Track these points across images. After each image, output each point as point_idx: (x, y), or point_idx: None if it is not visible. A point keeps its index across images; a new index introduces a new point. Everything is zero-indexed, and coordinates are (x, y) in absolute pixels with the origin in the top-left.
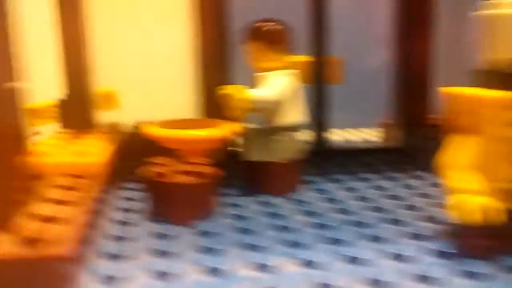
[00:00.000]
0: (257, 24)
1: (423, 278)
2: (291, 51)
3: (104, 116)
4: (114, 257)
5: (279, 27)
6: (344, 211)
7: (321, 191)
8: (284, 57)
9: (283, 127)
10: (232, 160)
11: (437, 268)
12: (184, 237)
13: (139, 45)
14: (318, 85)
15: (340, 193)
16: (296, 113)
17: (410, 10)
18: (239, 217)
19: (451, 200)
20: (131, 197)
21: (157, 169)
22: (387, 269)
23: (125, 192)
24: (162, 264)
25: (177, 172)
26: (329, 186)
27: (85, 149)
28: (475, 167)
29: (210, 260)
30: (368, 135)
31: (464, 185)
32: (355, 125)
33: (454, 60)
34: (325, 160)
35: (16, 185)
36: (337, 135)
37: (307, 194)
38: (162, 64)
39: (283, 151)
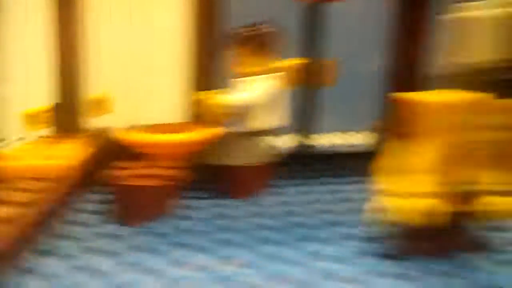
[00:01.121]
0: (240, 30)
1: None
2: (277, 54)
3: (98, 121)
4: (53, 255)
5: (263, 31)
6: (296, 214)
7: (284, 194)
8: (267, 62)
9: (255, 131)
10: (204, 164)
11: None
12: (131, 237)
13: (131, 52)
14: (309, 87)
15: (301, 197)
16: (272, 117)
17: (403, 17)
18: (191, 219)
19: (389, 203)
20: (100, 200)
21: (119, 172)
22: (318, 271)
23: (95, 195)
24: (98, 262)
25: (138, 175)
26: (295, 190)
27: (58, 153)
28: (421, 171)
29: (148, 260)
30: (357, 139)
31: (406, 189)
32: (346, 129)
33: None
34: (302, 164)
35: None
36: (325, 139)
37: (270, 198)
38: (154, 70)
39: (251, 155)
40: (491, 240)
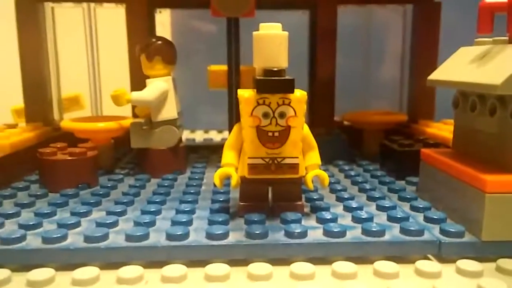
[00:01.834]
0: (145, 42)
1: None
2: (171, 62)
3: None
4: None
5: (162, 44)
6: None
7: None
8: (165, 67)
9: (161, 121)
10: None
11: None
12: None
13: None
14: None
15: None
16: (169, 110)
17: (318, 30)
18: (106, 187)
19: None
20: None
21: (47, 150)
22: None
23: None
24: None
25: (61, 152)
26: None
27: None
28: (234, 148)
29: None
30: None
31: (224, 160)
32: None
33: None
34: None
35: None
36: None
37: (175, 177)
38: (108, 75)
39: (161, 140)
40: None
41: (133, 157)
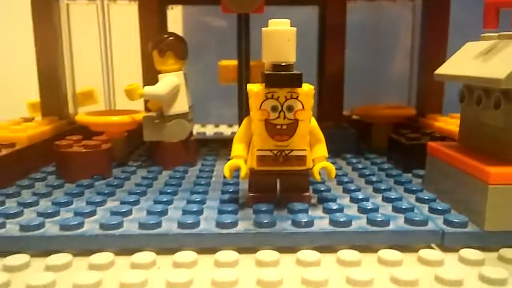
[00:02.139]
0: (157, 38)
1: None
2: (183, 57)
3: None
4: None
5: (174, 40)
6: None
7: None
8: (177, 62)
9: (172, 114)
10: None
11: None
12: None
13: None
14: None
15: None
16: (181, 104)
17: (327, 25)
18: (119, 178)
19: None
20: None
21: (63, 142)
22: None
23: None
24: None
25: (77, 145)
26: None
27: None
28: (243, 140)
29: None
30: None
31: (233, 153)
32: None
33: None
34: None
35: None
36: None
37: (186, 169)
38: (121, 70)
39: (173, 133)
40: None
41: (145, 150)
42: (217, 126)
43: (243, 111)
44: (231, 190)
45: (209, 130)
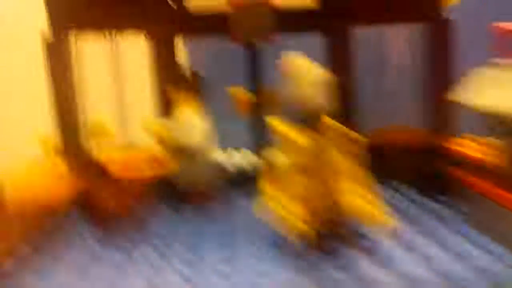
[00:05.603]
0: (171, 74)
1: None
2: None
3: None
4: None
5: (187, 76)
6: None
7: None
8: (191, 99)
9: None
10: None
11: None
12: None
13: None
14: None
15: None
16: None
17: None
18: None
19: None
20: None
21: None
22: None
23: None
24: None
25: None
26: None
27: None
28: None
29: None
30: None
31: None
32: None
33: None
34: None
35: None
36: None
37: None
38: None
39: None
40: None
41: None
42: None
43: None
44: None
45: None
